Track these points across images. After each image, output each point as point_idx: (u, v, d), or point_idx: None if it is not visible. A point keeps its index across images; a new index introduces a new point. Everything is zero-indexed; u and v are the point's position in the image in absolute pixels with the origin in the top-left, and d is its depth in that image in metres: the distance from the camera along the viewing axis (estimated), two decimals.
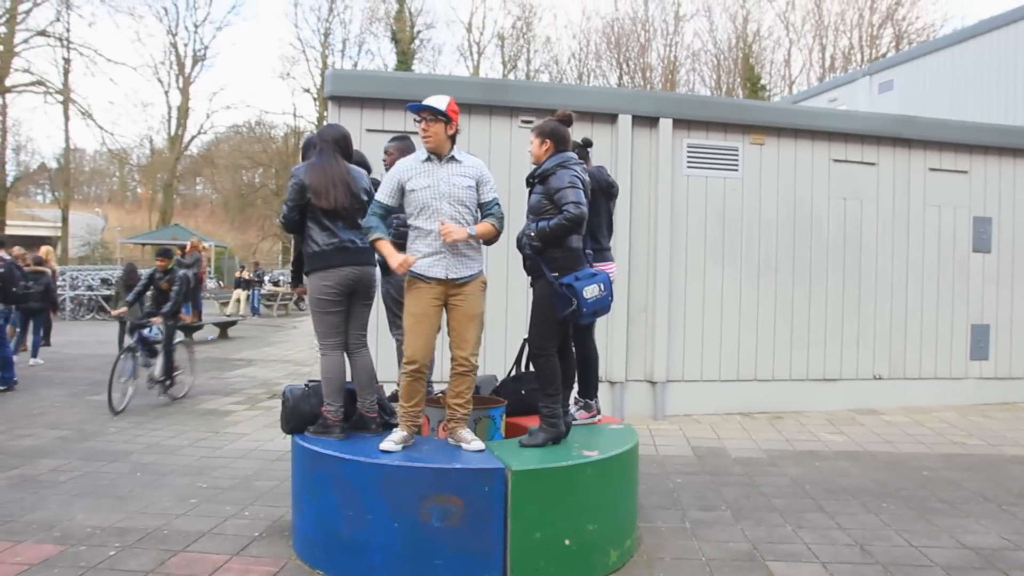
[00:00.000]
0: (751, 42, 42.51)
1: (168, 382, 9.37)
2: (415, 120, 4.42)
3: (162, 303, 9.22)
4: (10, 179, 38.04)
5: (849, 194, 9.55)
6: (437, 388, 5.46)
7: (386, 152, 5.53)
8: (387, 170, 5.49)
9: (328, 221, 4.55)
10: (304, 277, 4.83)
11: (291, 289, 7.36)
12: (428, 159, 4.37)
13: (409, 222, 4.40)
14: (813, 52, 42.23)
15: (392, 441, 4.26)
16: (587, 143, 5.56)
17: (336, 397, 4.57)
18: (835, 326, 9.50)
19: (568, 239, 4.48)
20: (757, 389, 9.23)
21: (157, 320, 9.14)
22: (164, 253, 9.49)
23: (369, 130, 8.15)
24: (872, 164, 9.62)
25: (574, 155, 4.66)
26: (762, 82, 41.41)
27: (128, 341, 9.28)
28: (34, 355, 12.42)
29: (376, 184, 4.79)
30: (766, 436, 8.00)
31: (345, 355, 4.68)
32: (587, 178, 4.65)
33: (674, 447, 7.48)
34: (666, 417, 8.85)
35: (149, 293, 9.39)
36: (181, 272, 9.35)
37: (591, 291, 4.40)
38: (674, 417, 8.88)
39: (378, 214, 4.38)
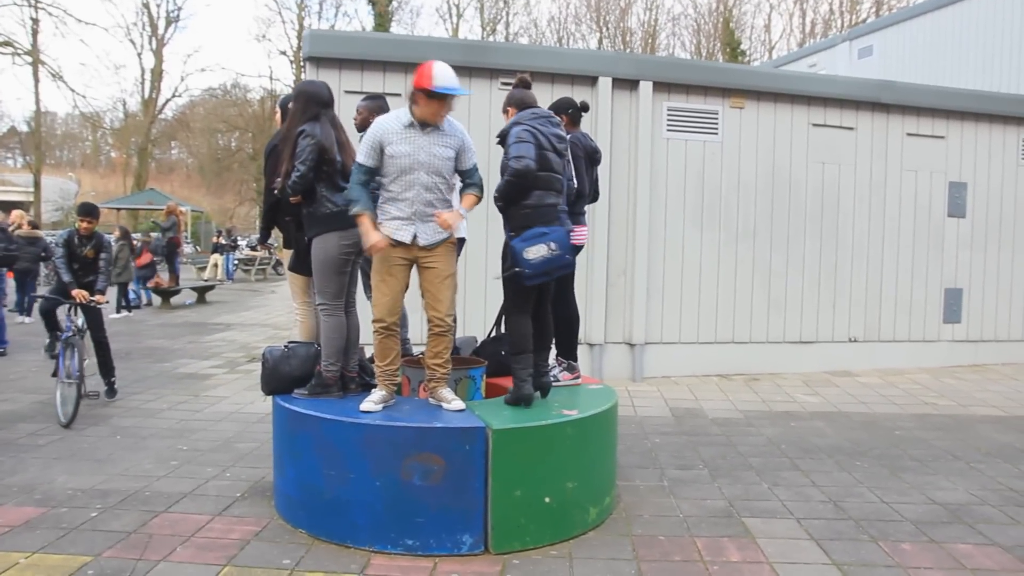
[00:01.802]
0: (731, 6, 42.30)
1: (112, 379, 7.51)
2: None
3: (86, 275, 7.18)
4: None
5: (828, 159, 9.59)
6: (417, 350, 5.49)
7: (357, 111, 5.44)
8: (358, 130, 5.45)
9: (342, 181, 4.55)
10: (271, 235, 4.83)
11: (260, 247, 7.28)
12: (411, 124, 4.23)
13: (382, 182, 4.30)
14: (794, 17, 42.19)
15: (372, 401, 4.28)
16: (584, 107, 5.53)
17: (338, 357, 4.60)
18: (812, 290, 9.60)
19: (529, 195, 4.46)
20: (734, 351, 9.33)
21: (102, 298, 7.13)
22: (89, 211, 7.25)
23: (348, 91, 8.05)
24: (850, 129, 9.67)
25: (529, 111, 4.65)
26: (742, 47, 41.27)
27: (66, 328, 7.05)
28: (28, 313, 12.87)
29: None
30: (743, 397, 8.11)
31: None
32: (548, 132, 4.57)
33: (652, 408, 7.57)
34: (644, 379, 8.94)
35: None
36: (108, 237, 7.58)
37: (535, 251, 4.35)
38: (652, 379, 8.97)
39: (362, 181, 4.27)
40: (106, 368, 7.42)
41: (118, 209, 34.95)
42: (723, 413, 7.40)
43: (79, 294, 6.93)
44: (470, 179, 4.42)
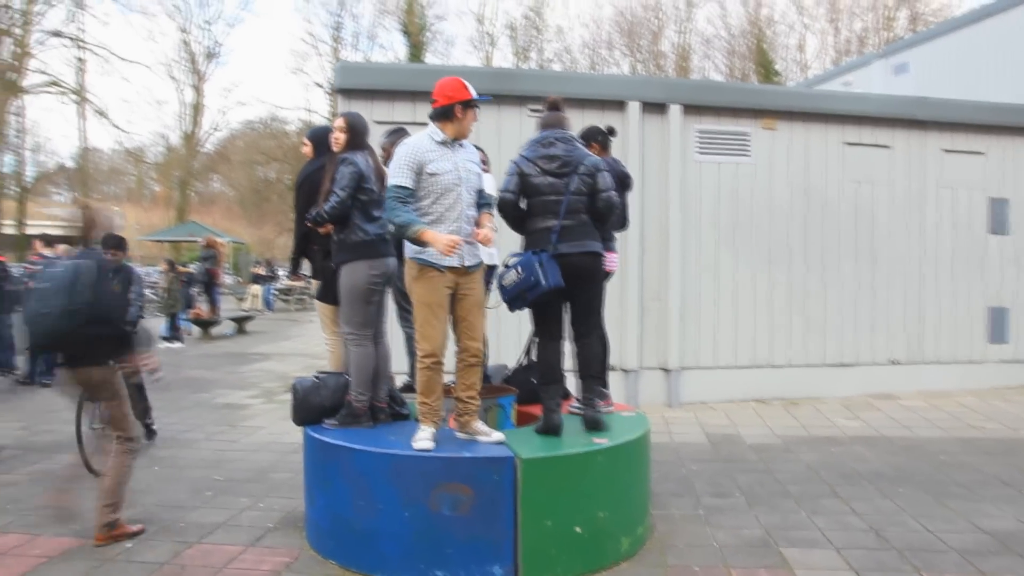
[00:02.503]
0: (764, 27, 42.16)
1: (149, 421, 7.06)
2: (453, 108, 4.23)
3: None
4: (29, 179, 38.42)
5: (863, 177, 9.46)
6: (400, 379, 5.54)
7: (382, 148, 5.45)
8: (385, 164, 5.49)
9: (375, 211, 4.59)
10: (301, 264, 4.87)
11: (291, 276, 7.38)
12: (444, 142, 4.20)
13: (420, 205, 4.16)
14: (827, 36, 41.86)
15: (425, 440, 4.13)
16: (610, 131, 5.54)
17: (367, 387, 4.61)
18: (850, 311, 9.42)
19: (526, 222, 4.56)
20: (772, 375, 9.18)
21: None
22: (116, 244, 5.43)
23: (378, 121, 8.11)
24: (886, 147, 9.53)
25: (531, 139, 4.72)
26: (776, 67, 41.07)
27: None
28: None
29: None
30: (781, 422, 7.96)
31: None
32: (536, 156, 4.58)
33: (688, 434, 7.46)
34: (681, 404, 8.82)
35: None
36: (137, 271, 5.88)
37: (508, 277, 4.42)
38: (689, 404, 8.85)
39: (407, 201, 4.12)
40: (143, 409, 6.89)
41: (160, 241, 35.72)
42: (761, 439, 7.26)
43: None
44: (484, 199, 4.41)
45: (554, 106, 4.85)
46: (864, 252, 9.49)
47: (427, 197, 4.15)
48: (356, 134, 4.74)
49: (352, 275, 4.55)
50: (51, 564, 4.21)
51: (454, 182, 4.16)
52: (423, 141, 4.20)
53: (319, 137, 5.32)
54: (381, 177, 4.66)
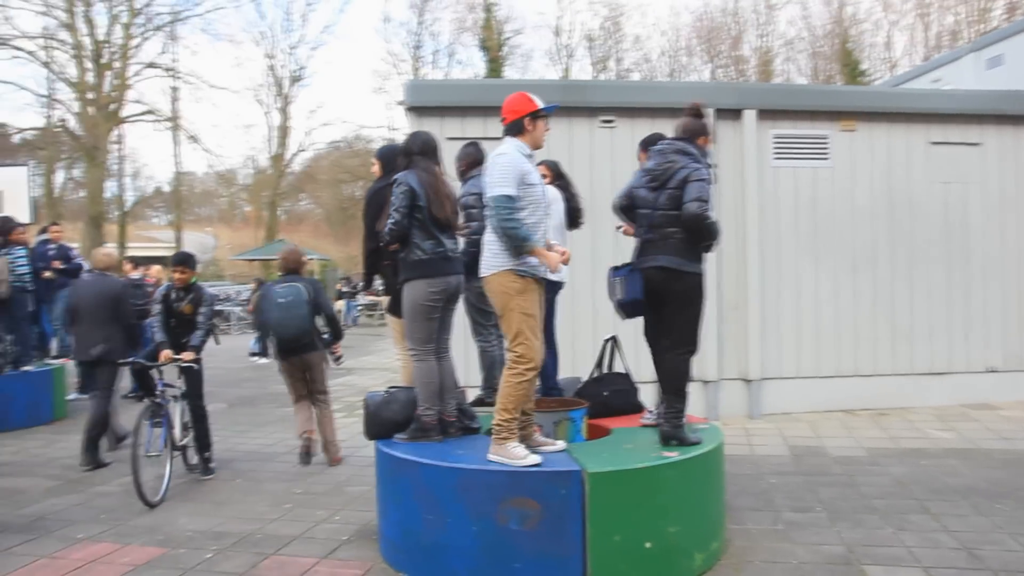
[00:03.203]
0: (848, 26, 40.90)
1: (207, 455, 6.65)
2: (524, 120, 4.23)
3: (184, 333, 6.45)
4: (129, 204, 40.35)
5: (951, 178, 9.05)
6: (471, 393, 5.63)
7: (458, 159, 5.57)
8: (459, 178, 5.57)
9: (436, 229, 4.60)
10: (373, 280, 4.95)
11: (364, 292, 7.75)
12: (530, 156, 4.23)
13: (521, 217, 4.09)
14: (916, 32, 40.29)
15: (529, 454, 4.09)
16: (651, 139, 5.55)
17: (434, 401, 4.64)
18: (940, 317, 9.01)
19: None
20: (858, 385, 8.85)
21: (188, 356, 6.29)
22: (182, 261, 6.51)
23: (449, 138, 8.21)
24: (975, 144, 9.09)
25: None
26: (862, 67, 39.76)
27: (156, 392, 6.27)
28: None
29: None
30: (868, 434, 7.66)
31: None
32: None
33: (770, 446, 7.25)
34: (763, 416, 8.59)
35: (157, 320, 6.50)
36: (208, 291, 6.74)
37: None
38: (771, 415, 8.61)
39: (517, 211, 4.07)
40: (202, 442, 6.55)
41: (251, 260, 36.98)
42: (846, 451, 7.00)
43: (165, 355, 6.23)
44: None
45: (694, 112, 4.87)
46: (956, 255, 9.06)
47: (525, 208, 4.14)
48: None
49: (412, 293, 4.61)
50: (137, 572, 4.40)
51: (544, 193, 4.24)
52: (516, 152, 4.17)
53: (387, 156, 5.44)
54: (435, 194, 4.62)
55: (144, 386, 6.62)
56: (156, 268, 14.58)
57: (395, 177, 4.68)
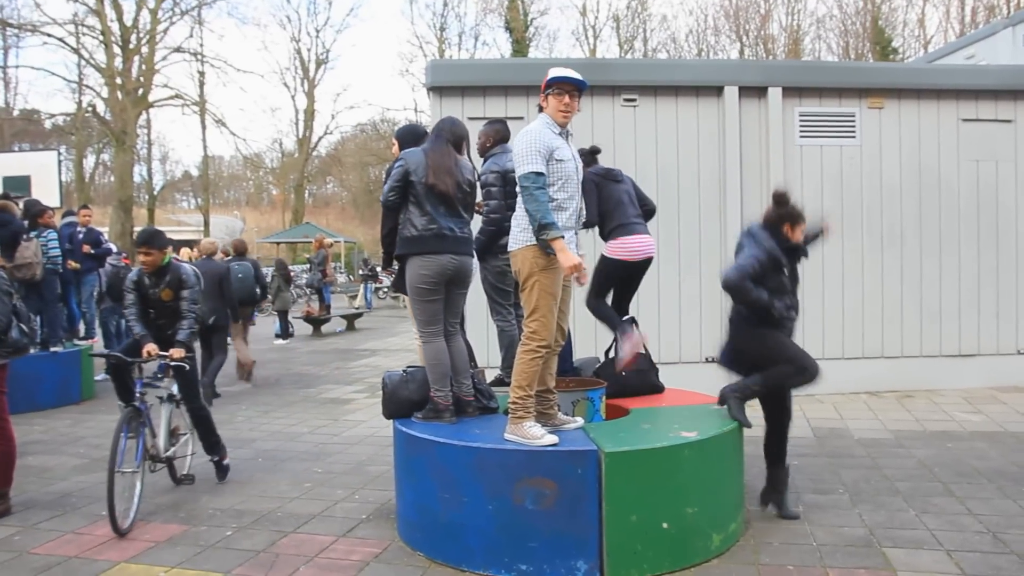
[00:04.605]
0: (880, 3, 40.10)
1: (219, 456, 5.89)
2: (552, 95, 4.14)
3: (169, 324, 5.45)
4: (157, 188, 40.84)
5: (982, 155, 8.85)
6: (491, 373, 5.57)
7: (479, 135, 5.54)
8: (481, 154, 5.53)
9: (429, 206, 4.50)
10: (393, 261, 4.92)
11: (383, 273, 7.74)
12: (560, 133, 4.13)
13: (550, 192, 4.04)
14: (951, 8, 39.40)
15: (546, 433, 4.08)
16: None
17: (444, 382, 4.60)
18: (970, 298, 8.84)
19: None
20: (884, 366, 8.73)
21: (178, 353, 5.25)
22: (147, 240, 5.35)
23: (471, 118, 8.18)
24: (1008, 121, 8.88)
25: None
26: (893, 44, 38.99)
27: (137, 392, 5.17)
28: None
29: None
30: (894, 416, 7.56)
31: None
32: None
33: (793, 427, 7.11)
34: None
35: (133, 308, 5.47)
36: (188, 270, 5.54)
37: None
38: (795, 397, 8.43)
39: (544, 188, 3.98)
40: (211, 444, 5.81)
41: (278, 243, 37.28)
42: (870, 433, 6.92)
43: (149, 350, 5.25)
44: None
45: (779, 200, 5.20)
46: (987, 234, 8.88)
47: (555, 184, 4.08)
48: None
49: (408, 271, 4.57)
50: (158, 548, 4.45)
51: (576, 169, 4.18)
52: (544, 127, 4.09)
53: (405, 136, 5.41)
54: (441, 167, 4.54)
55: (121, 388, 5.64)
56: (185, 251, 14.76)
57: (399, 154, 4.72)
